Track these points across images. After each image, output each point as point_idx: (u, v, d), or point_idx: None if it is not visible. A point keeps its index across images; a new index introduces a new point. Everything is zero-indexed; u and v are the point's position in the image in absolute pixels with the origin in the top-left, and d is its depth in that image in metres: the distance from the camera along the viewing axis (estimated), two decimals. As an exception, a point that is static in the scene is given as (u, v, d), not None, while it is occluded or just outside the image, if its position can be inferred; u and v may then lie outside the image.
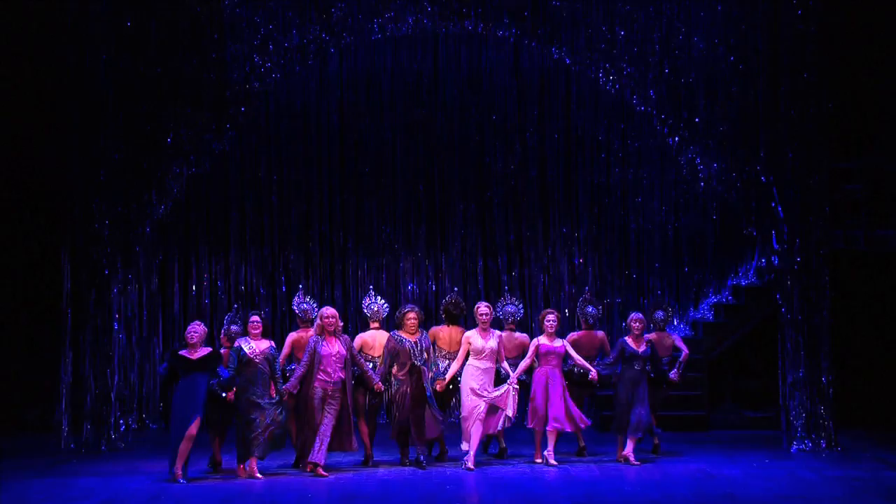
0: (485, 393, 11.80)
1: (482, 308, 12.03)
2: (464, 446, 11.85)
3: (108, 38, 13.16)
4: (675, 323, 15.54)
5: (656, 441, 12.68)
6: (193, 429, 11.01)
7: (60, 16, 13.23)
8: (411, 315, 11.78)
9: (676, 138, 13.57)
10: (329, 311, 11.52)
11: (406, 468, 11.73)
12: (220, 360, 11.33)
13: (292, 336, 12.11)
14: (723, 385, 14.94)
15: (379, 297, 12.37)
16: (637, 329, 12.19)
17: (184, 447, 11.04)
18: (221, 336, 12.00)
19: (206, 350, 11.24)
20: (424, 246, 15.80)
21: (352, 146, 15.74)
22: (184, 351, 11.26)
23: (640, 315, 12.31)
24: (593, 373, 12.21)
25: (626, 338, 12.28)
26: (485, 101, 15.74)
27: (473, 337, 11.97)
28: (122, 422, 13.43)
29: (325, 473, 11.33)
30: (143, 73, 13.22)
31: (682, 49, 13.43)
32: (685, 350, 12.77)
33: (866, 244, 14.22)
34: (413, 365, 11.70)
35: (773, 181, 13.04)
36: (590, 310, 12.78)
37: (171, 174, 13.39)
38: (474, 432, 11.75)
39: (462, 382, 11.91)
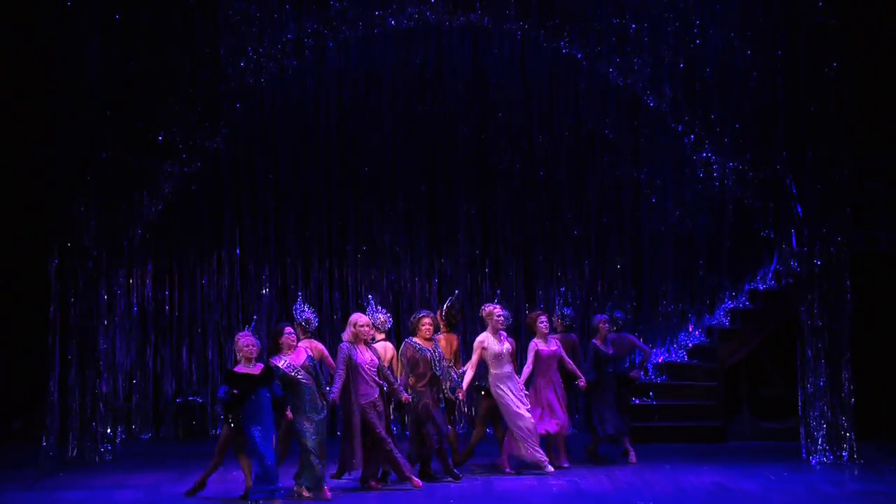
0: (524, 402, 11.83)
1: (498, 310, 11.96)
2: (542, 459, 11.85)
3: (96, 31, 13.14)
4: (690, 329, 15.54)
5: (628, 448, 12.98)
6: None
7: (46, 7, 13.21)
8: (427, 320, 11.59)
9: (691, 136, 13.55)
10: (363, 318, 11.23)
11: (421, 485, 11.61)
12: (274, 372, 10.77)
13: (303, 344, 11.86)
14: (739, 394, 14.91)
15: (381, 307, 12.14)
16: (605, 331, 12.75)
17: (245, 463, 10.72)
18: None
19: (260, 363, 10.69)
20: (426, 248, 15.77)
21: (351, 144, 15.72)
22: (242, 368, 10.63)
23: (607, 316, 12.96)
24: (583, 381, 12.44)
25: (596, 341, 12.77)
26: (490, 98, 15.73)
27: (489, 341, 11.87)
28: (110, 433, 13.39)
29: (419, 483, 11.28)
30: (132, 67, 13.19)
31: (697, 43, 13.38)
32: (648, 349, 13.22)
33: (890, 246, 14.17)
34: (434, 375, 11.56)
35: (793, 180, 12.99)
36: (567, 311, 12.91)
37: (163, 174, 13.36)
38: (535, 447, 11.83)
39: (503, 403, 11.83)
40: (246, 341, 10.63)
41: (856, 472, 12.33)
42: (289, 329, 10.98)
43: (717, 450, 13.84)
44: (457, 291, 12.70)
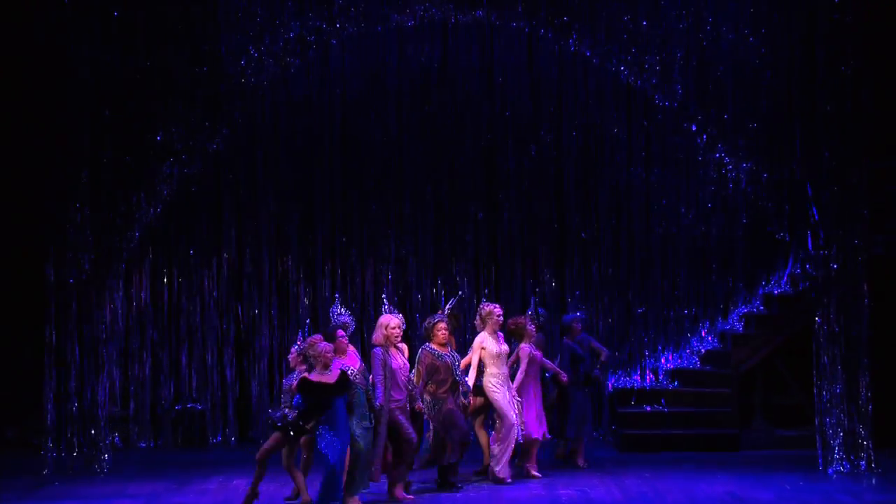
0: (514, 404, 11.87)
1: (497, 309, 11.96)
2: (499, 471, 11.85)
3: (92, 30, 13.13)
4: (703, 334, 15.52)
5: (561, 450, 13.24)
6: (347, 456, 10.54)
7: (41, 5, 13.21)
8: (442, 325, 11.51)
9: (704, 136, 13.51)
10: (395, 320, 11.10)
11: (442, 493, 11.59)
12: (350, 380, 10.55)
13: (351, 349, 11.41)
14: (753, 401, 14.88)
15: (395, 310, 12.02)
16: (578, 331, 13.04)
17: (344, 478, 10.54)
18: (292, 357, 11.20)
19: (337, 370, 10.46)
20: (433, 251, 15.75)
21: (354, 145, 15.71)
22: (316, 376, 10.32)
23: (581, 315, 13.35)
24: (565, 376, 12.67)
25: (569, 340, 12.96)
26: (497, 97, 15.69)
27: (488, 341, 11.90)
28: (108, 440, 13.38)
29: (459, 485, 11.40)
30: (130, 66, 13.18)
31: (710, 40, 13.36)
32: (606, 351, 13.46)
33: (909, 250, 14.14)
34: (454, 380, 11.50)
35: (809, 181, 12.96)
36: (542, 311, 13.03)
37: (161, 175, 13.36)
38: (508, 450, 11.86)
39: (495, 399, 11.85)
40: (324, 347, 10.35)
41: (874, 482, 12.27)
42: (341, 332, 10.86)
43: (731, 458, 13.79)
44: (460, 293, 12.66)
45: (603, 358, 13.31)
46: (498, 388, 11.88)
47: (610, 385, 15.41)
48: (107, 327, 13.33)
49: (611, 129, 15.63)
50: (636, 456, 14.00)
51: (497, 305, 12.09)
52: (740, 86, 13.28)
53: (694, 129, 13.59)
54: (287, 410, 10.59)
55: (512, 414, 11.85)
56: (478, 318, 12.07)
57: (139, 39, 13.21)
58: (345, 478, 10.50)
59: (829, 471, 12.76)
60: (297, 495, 11.07)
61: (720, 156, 13.60)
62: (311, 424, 10.36)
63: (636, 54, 13.50)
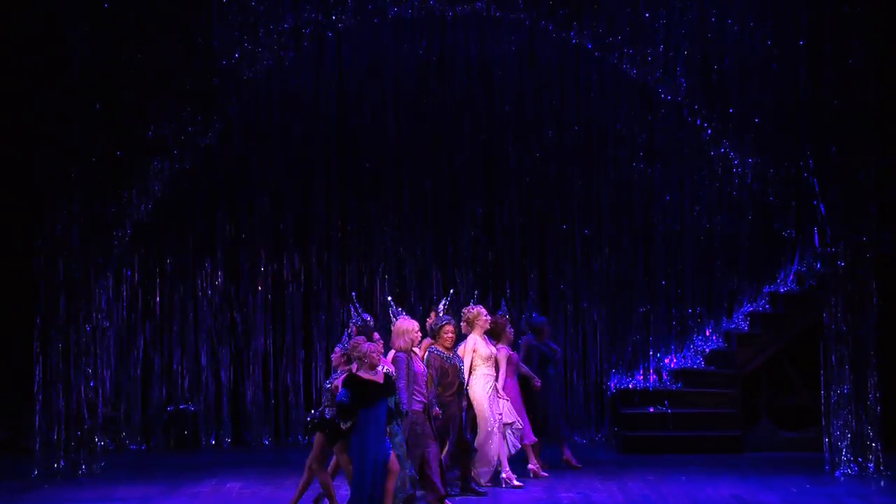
0: (503, 406, 11.89)
1: (484, 311, 11.98)
2: (484, 475, 11.81)
3: (82, 21, 13.10)
4: (707, 334, 15.50)
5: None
6: (395, 463, 10.30)
7: (30, -3, 13.21)
8: (449, 328, 11.44)
9: (708, 131, 13.50)
10: (416, 324, 10.98)
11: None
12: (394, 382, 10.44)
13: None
14: (759, 402, 14.87)
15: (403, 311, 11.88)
16: (548, 333, 13.21)
17: (391, 484, 10.23)
18: (336, 357, 10.98)
19: (381, 371, 10.28)
20: (432, 249, 15.73)
21: (351, 140, 15.70)
22: (365, 373, 10.14)
23: (546, 319, 13.56)
24: (538, 382, 12.74)
25: (536, 342, 13.07)
26: (497, 91, 15.67)
27: (479, 343, 11.93)
28: (99, 443, 13.35)
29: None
30: (121, 59, 13.13)
31: (714, 33, 13.32)
32: (559, 350, 13.73)
33: (918, 248, 14.13)
34: (461, 383, 11.48)
35: (815, 177, 12.94)
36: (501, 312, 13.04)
37: (153, 171, 13.33)
38: (499, 451, 11.83)
39: (478, 399, 11.85)
40: (371, 347, 10.20)
41: (882, 485, 12.25)
42: (377, 335, 10.80)
43: (736, 460, 13.78)
44: (452, 291, 12.58)
45: (557, 357, 13.49)
46: (486, 390, 11.88)
47: (612, 386, 15.41)
48: (97, 326, 13.30)
49: (613, 123, 15.61)
50: (639, 458, 14.00)
51: (482, 307, 12.08)
52: (746, 79, 13.25)
53: (698, 123, 13.57)
54: (327, 410, 10.51)
55: (492, 421, 11.82)
56: (464, 321, 12.02)
57: (130, 31, 13.17)
58: (389, 484, 10.29)
59: (837, 473, 12.74)
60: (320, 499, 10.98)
61: (725, 151, 13.57)
62: (348, 425, 10.21)
63: (639, 47, 13.48)
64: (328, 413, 10.40)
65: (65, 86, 13.12)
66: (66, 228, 13.11)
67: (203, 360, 15.53)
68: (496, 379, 12.04)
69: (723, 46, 13.33)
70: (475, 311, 12.00)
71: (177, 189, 14.95)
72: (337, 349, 11.00)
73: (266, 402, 15.58)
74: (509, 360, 12.32)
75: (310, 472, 10.70)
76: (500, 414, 12.01)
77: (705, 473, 12.82)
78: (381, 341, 10.72)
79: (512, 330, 12.54)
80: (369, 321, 11.34)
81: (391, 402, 10.25)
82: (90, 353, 13.22)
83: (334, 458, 10.81)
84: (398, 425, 10.43)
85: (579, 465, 13.13)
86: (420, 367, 10.94)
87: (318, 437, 10.63)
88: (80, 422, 13.09)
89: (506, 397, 12.12)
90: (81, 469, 13.01)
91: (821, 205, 12.95)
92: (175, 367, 15.50)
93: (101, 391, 13.80)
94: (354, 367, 10.25)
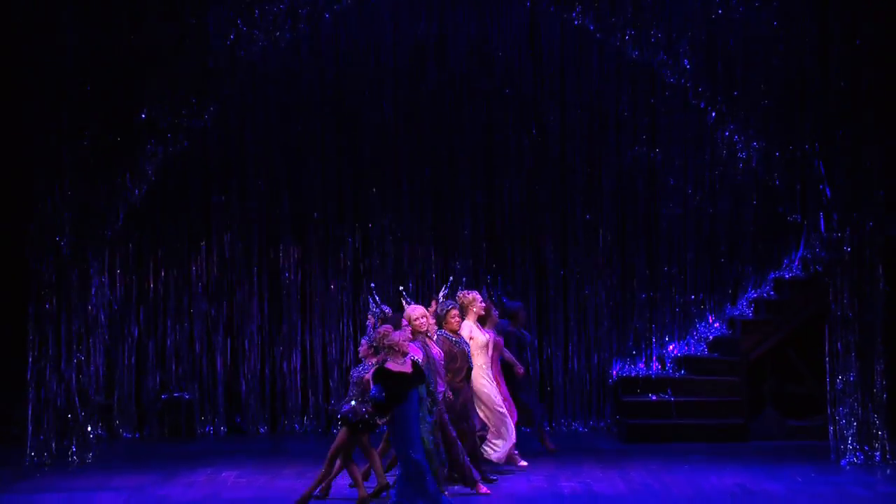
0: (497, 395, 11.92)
1: (480, 297, 11.93)
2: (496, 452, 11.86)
3: (73, 1, 13.02)
4: (710, 320, 15.45)
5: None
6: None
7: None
8: (455, 312, 11.44)
9: (713, 113, 13.44)
10: (419, 309, 10.96)
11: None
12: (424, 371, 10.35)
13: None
14: (763, 390, 14.85)
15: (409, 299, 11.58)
16: (524, 318, 13.35)
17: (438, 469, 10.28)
18: (363, 349, 10.98)
19: (409, 360, 10.17)
20: (430, 235, 15.67)
21: (348, 123, 15.65)
22: (394, 364, 10.02)
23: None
24: (521, 369, 12.88)
25: (512, 327, 13.18)
26: (497, 73, 15.61)
27: (475, 330, 11.90)
28: (91, 431, 13.31)
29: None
30: (113, 40, 13.06)
31: (718, 13, 13.24)
32: (530, 336, 13.93)
33: (925, 232, 14.07)
34: (469, 368, 11.44)
35: (821, 161, 12.88)
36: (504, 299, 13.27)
37: (146, 154, 13.27)
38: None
39: (485, 394, 11.88)
40: (401, 335, 10.14)
41: (888, 473, 12.23)
42: (405, 321, 10.72)
43: (740, 449, 13.77)
44: (451, 278, 12.49)
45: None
46: (485, 379, 11.89)
47: (614, 373, 15.37)
48: (90, 313, 13.25)
49: (615, 106, 15.54)
50: (641, 447, 13.98)
51: (477, 292, 12.02)
52: (751, 61, 13.17)
53: (703, 105, 13.50)
54: (355, 403, 10.52)
55: (502, 404, 11.89)
56: (458, 307, 11.97)
57: (123, 12, 13.10)
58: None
59: (843, 462, 12.73)
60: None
61: (729, 134, 13.51)
62: (384, 419, 10.13)
63: (642, 28, 13.39)
64: (362, 409, 10.41)
65: (56, 67, 13.06)
66: (58, 213, 13.05)
67: (198, 348, 15.48)
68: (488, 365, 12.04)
69: (728, 27, 13.25)
70: (470, 296, 11.94)
71: (171, 172, 14.90)
72: (363, 341, 11.00)
73: (262, 391, 15.53)
74: (496, 346, 12.28)
75: (331, 464, 10.63)
76: (496, 396, 12.03)
77: (709, 462, 12.81)
78: (409, 328, 10.66)
79: (497, 313, 12.53)
80: (388, 312, 11.32)
81: (422, 389, 10.17)
82: (83, 341, 13.18)
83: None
84: (430, 413, 10.35)
85: (555, 448, 13.31)
86: (436, 350, 10.91)
87: (343, 431, 10.59)
88: (73, 410, 13.05)
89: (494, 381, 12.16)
90: (72, 457, 12.97)
91: (827, 189, 12.90)
92: (169, 354, 15.45)
93: (94, 379, 13.79)
94: (382, 357, 10.16)
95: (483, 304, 11.99)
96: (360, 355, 11.06)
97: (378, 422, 10.34)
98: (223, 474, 12.38)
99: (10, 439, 13.94)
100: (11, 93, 13.56)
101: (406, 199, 15.68)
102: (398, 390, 9.90)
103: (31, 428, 13.03)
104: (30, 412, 13.04)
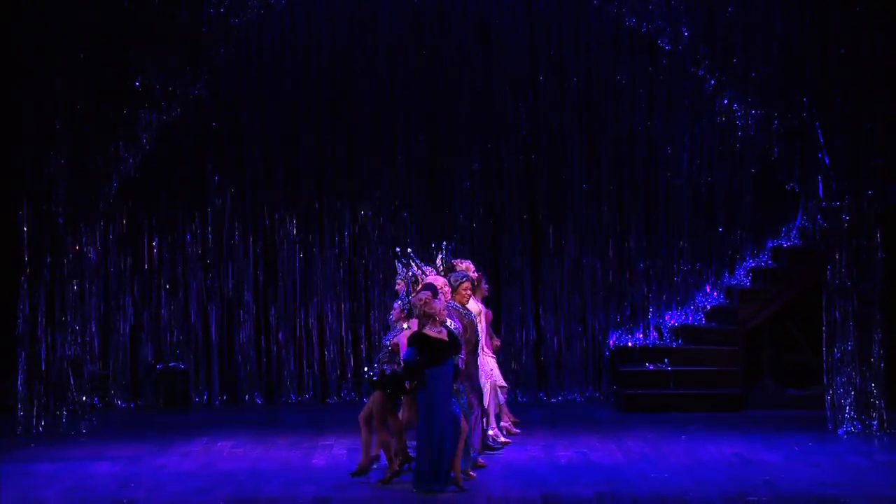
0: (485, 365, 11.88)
1: (472, 266, 11.82)
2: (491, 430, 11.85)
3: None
4: (708, 290, 15.47)
5: None
6: (464, 422, 10.15)
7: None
8: (467, 284, 11.29)
9: (711, 81, 13.40)
10: (440, 279, 10.85)
11: None
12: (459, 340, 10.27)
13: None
14: (761, 360, 14.86)
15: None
16: (486, 291, 12.61)
17: (462, 444, 10.08)
18: (395, 314, 10.84)
19: (444, 329, 10.04)
20: (427, 206, 15.64)
21: (344, 92, 15.59)
22: (431, 330, 9.89)
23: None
24: (498, 342, 12.84)
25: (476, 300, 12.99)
26: (493, 42, 15.55)
27: (471, 304, 11.84)
28: (86, 400, 13.33)
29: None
30: (106, 7, 13.00)
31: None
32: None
33: (925, 201, 14.07)
34: (477, 341, 11.36)
35: (820, 128, 12.86)
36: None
37: (140, 123, 13.23)
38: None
39: (488, 370, 11.89)
40: (442, 304, 10.06)
41: (885, 442, 12.28)
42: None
43: (738, 419, 13.80)
44: (444, 244, 12.42)
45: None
46: (484, 353, 11.86)
47: (611, 343, 15.40)
48: (84, 283, 13.24)
49: (613, 74, 15.49)
50: (638, 416, 14.01)
51: (470, 262, 11.90)
52: (750, 27, 13.12)
53: (701, 73, 13.47)
54: (385, 366, 10.40)
55: (486, 378, 11.79)
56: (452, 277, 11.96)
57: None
58: (460, 443, 10.11)
59: (840, 431, 12.76)
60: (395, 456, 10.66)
61: (728, 102, 13.47)
62: (414, 384, 10.10)
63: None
64: (388, 369, 10.31)
65: (48, 35, 13.00)
66: (51, 182, 13.03)
67: (193, 317, 15.49)
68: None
69: (726, -7, 13.21)
70: (465, 264, 11.90)
71: (165, 141, 14.85)
72: (395, 305, 10.89)
73: (258, 360, 15.54)
74: (486, 318, 12.21)
75: (367, 428, 10.51)
76: (492, 370, 12.02)
77: (706, 432, 12.84)
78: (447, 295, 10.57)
79: (487, 287, 12.49)
80: (427, 272, 11.07)
81: (457, 359, 10.12)
82: (77, 310, 13.18)
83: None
84: (462, 385, 10.33)
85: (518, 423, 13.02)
86: (457, 322, 10.80)
87: (377, 395, 10.49)
88: (65, 380, 13.07)
89: (492, 355, 12.13)
90: (63, 427, 13.00)
91: (825, 156, 12.89)
92: (164, 323, 15.45)
93: (88, 349, 13.79)
94: (415, 323, 10.09)
95: (475, 273, 11.94)
96: (392, 320, 10.94)
97: (408, 386, 10.23)
98: (219, 444, 12.41)
99: (4, 410, 13.94)
100: (3, 61, 13.50)
101: (402, 167, 15.65)
102: (435, 356, 9.85)
103: (24, 393, 13.03)
104: (21, 382, 13.04)
